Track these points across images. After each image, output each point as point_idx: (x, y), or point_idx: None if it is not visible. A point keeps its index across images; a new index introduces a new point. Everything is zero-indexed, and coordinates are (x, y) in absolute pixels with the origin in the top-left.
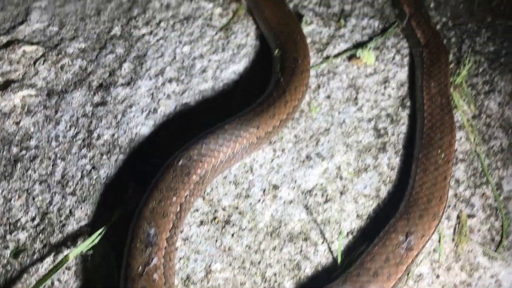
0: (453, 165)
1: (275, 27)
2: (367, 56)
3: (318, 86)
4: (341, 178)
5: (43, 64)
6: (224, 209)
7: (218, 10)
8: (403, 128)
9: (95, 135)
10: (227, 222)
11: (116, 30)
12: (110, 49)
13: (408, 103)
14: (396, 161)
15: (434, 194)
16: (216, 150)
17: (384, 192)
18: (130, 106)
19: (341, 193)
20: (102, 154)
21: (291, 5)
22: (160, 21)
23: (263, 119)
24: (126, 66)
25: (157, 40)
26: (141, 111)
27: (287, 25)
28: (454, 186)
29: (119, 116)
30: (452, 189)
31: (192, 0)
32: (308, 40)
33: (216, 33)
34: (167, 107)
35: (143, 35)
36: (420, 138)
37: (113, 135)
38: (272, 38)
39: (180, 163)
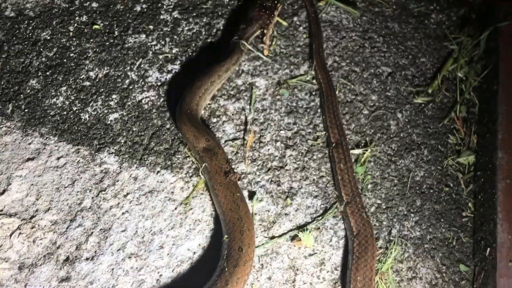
0: None
1: (226, 212)
2: (307, 238)
3: (262, 267)
4: None
5: (18, 237)
6: None
7: (180, 184)
8: None
9: None
10: None
11: (87, 202)
12: (79, 221)
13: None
14: None
15: None
16: None
17: None
18: (91, 283)
19: None
20: None
21: (246, 179)
22: (127, 194)
23: None
24: (92, 240)
25: (123, 214)
26: None
27: (237, 211)
28: None
29: None
30: None
31: (157, 172)
32: (257, 218)
33: (175, 208)
34: (124, 284)
35: (111, 207)
36: None
37: None
38: (223, 221)
39: None
